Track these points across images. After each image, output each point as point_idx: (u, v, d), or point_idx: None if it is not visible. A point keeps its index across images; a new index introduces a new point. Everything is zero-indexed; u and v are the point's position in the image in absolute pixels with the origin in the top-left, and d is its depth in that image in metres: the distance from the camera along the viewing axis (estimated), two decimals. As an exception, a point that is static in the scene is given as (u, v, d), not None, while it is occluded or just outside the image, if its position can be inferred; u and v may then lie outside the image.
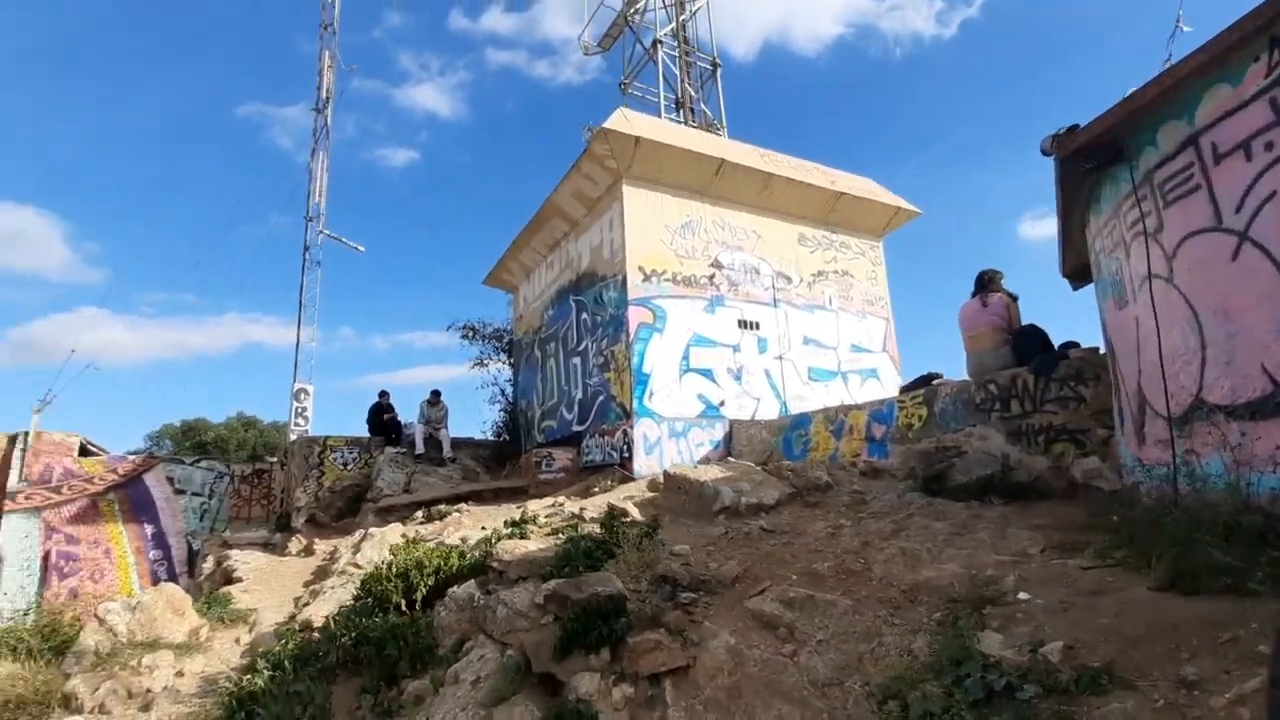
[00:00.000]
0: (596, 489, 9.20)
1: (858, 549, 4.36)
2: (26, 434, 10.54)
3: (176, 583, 11.88)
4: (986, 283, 6.61)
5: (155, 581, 11.10)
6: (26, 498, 10.42)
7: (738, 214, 11.63)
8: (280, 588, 7.96)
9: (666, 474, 6.53)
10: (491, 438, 15.81)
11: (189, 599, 6.58)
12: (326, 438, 12.64)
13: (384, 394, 13.53)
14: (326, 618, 5.85)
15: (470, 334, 17.61)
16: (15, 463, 10.41)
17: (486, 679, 3.85)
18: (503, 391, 16.52)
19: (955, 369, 7.41)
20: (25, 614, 10.19)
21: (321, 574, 8.20)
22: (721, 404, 10.53)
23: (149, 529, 11.23)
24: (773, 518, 5.42)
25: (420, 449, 13.07)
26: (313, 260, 22.71)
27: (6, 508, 10.22)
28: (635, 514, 5.75)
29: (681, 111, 17.88)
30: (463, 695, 3.81)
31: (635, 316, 10.06)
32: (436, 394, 13.96)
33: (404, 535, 8.50)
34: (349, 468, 12.76)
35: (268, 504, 14.62)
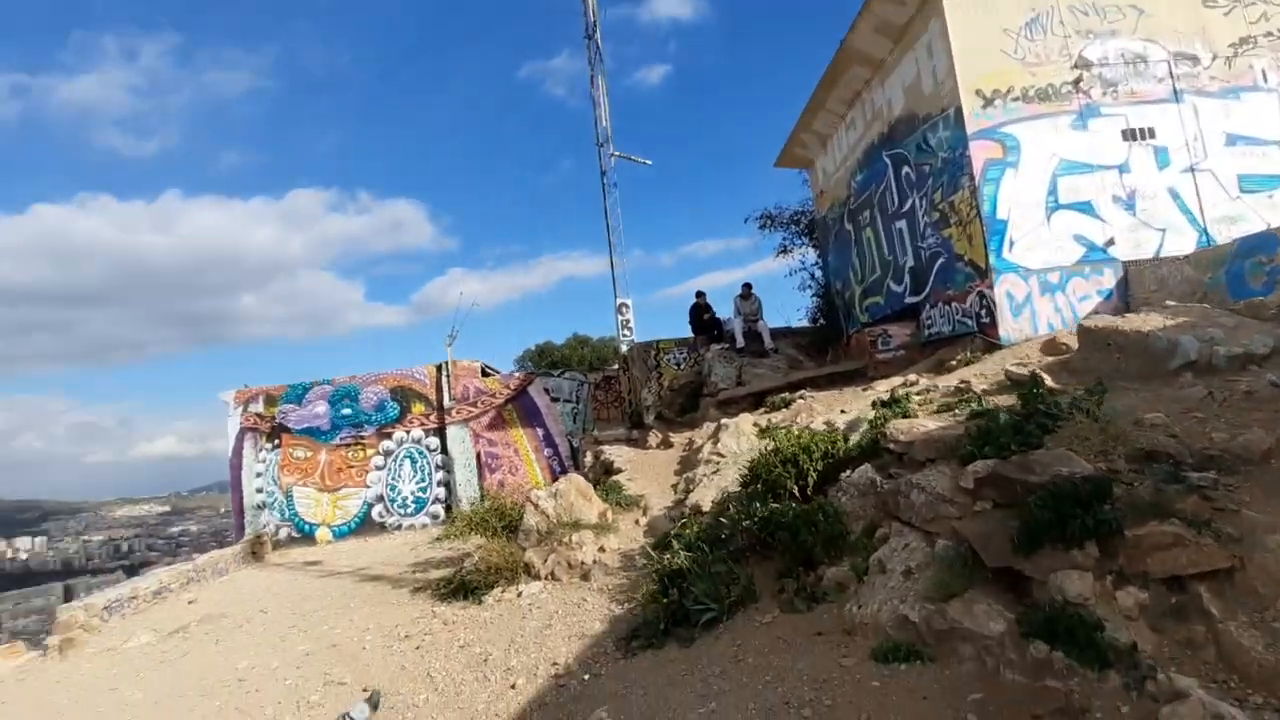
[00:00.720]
0: (954, 362, 8.07)
1: None
2: (446, 363, 13.37)
3: (566, 474, 14.26)
4: None
5: (551, 474, 13.42)
6: (457, 412, 13.34)
7: (1110, -15, 8.67)
8: (655, 476, 8.76)
9: (1084, 328, 5.22)
10: (808, 324, 15.26)
11: (591, 487, 7.54)
12: (658, 342, 13.45)
13: (701, 294, 13.81)
14: (714, 503, 6.12)
15: (768, 222, 16.97)
16: (444, 386, 13.34)
17: (921, 570, 3.44)
18: (812, 275, 15.71)
19: None
20: (482, 500, 13.32)
21: (687, 464, 8.80)
22: (1109, 243, 8.27)
23: (539, 431, 13.53)
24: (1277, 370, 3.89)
25: (741, 343, 13.14)
26: (610, 184, 24.15)
27: (447, 420, 13.24)
28: (1049, 381, 4.68)
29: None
30: (896, 586, 3.47)
31: (979, 153, 8.27)
32: (747, 287, 13.77)
33: (755, 424, 8.60)
34: (681, 367, 13.47)
35: (618, 406, 16.32)
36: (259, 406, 12.98)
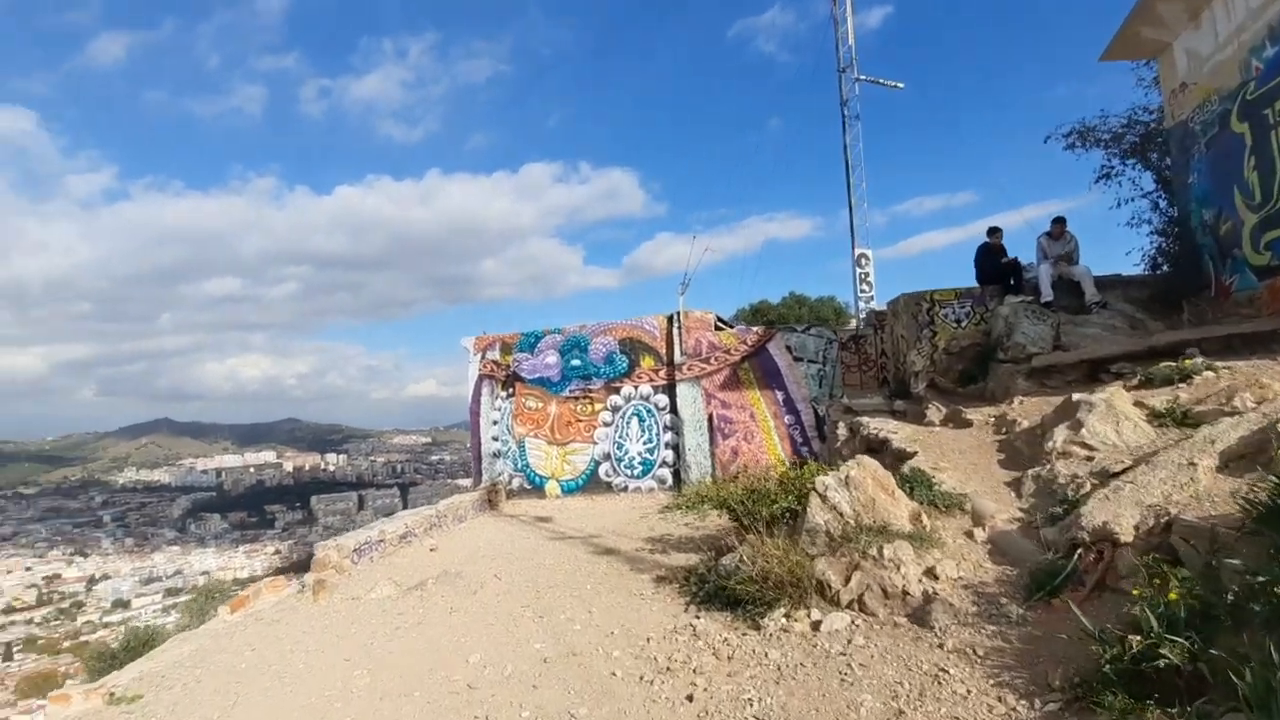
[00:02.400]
0: None
1: None
2: (678, 313, 12.05)
3: (810, 446, 12.25)
4: None
5: (791, 444, 11.54)
6: (688, 368, 12.02)
7: None
8: (961, 465, 6.40)
9: None
10: (1145, 272, 11.30)
11: (890, 476, 5.48)
12: (933, 292, 10.68)
13: (995, 231, 10.68)
14: (1146, 531, 3.72)
15: (1081, 139, 12.87)
16: (675, 339, 12.05)
17: None
18: (1155, 205, 11.57)
19: None
20: (713, 468, 11.93)
21: (1016, 453, 6.30)
22: None
23: (779, 395, 11.69)
24: None
25: (1048, 294, 9.87)
26: (851, 115, 20.91)
27: (677, 377, 11.97)
28: None
29: None
30: None
31: None
32: (1060, 222, 10.36)
33: (1140, 404, 5.80)
34: (963, 324, 10.57)
35: (867, 370, 13.79)
36: (495, 354, 12.81)
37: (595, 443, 12.14)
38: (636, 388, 12.15)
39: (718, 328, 12.13)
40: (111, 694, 4.81)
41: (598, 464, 12.10)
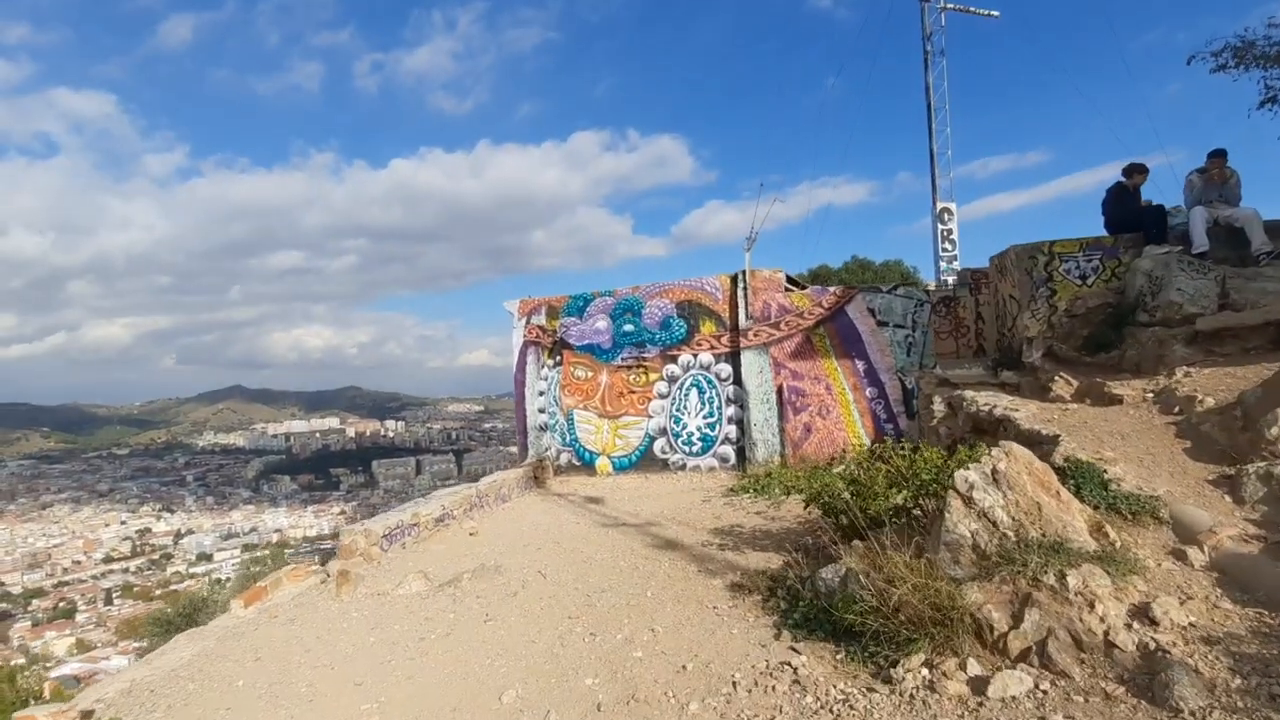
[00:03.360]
0: None
1: None
2: (743, 273, 10.69)
3: (895, 424, 10.79)
4: None
5: (875, 422, 10.13)
6: (755, 334, 10.71)
7: None
8: (1136, 456, 4.95)
9: None
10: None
11: (1050, 470, 4.12)
12: (1052, 243, 8.99)
13: (1136, 170, 8.85)
14: None
15: (1237, 58, 10.69)
16: (740, 301, 10.74)
17: None
18: (1333, 135, 9.44)
19: None
20: (782, 446, 10.63)
21: (1200, 438, 4.81)
22: None
23: (859, 365, 10.27)
24: None
25: (1202, 243, 8.08)
26: (935, 51, 18.68)
27: (742, 344, 10.69)
28: None
29: None
30: None
31: None
32: (1218, 156, 8.50)
33: None
34: (1089, 281, 8.88)
35: (959, 336, 12.14)
36: (541, 318, 11.75)
37: (650, 416, 11.00)
38: (696, 356, 10.90)
39: (788, 288, 10.72)
40: (87, 715, 4.00)
41: (653, 439, 10.97)
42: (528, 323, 11.81)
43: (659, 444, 10.97)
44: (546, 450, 11.48)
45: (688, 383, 10.93)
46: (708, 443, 10.79)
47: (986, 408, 7.43)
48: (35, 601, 70.79)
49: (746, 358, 10.59)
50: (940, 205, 18.54)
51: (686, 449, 10.85)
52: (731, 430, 10.70)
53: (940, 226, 18.44)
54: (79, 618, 64.17)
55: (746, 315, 10.64)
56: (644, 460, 11.01)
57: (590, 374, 11.38)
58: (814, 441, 10.22)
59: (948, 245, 18.26)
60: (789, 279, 10.96)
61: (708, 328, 10.94)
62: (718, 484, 10.06)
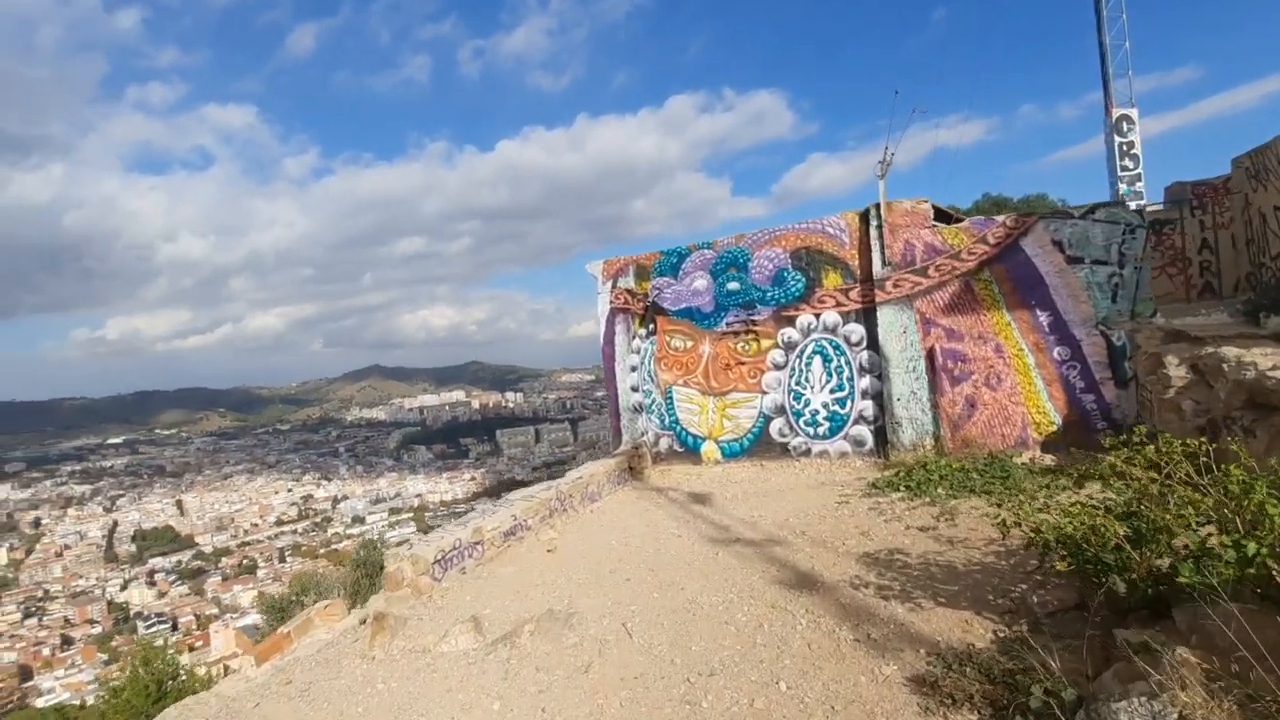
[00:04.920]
0: None
1: None
2: (876, 206, 8.33)
3: (1098, 395, 8.06)
4: None
5: (1068, 391, 7.56)
6: (894, 284, 8.37)
7: None
8: None
9: None
10: None
11: None
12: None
13: None
14: None
15: None
16: (873, 244, 8.42)
17: None
18: None
19: None
20: (935, 425, 8.27)
21: None
22: None
23: (1042, 316, 7.72)
24: None
25: None
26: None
27: (877, 298, 8.40)
28: None
29: None
30: None
31: None
32: None
33: None
34: None
35: (1171, 274, 9.09)
36: (629, 280, 9.98)
37: (764, 391, 9.02)
38: (818, 315, 8.73)
39: (936, 225, 8.22)
40: None
41: (768, 419, 9.00)
42: (614, 286, 10.08)
43: (776, 425, 8.98)
44: (643, 435, 9.82)
45: (809, 349, 8.80)
46: (837, 423, 8.65)
47: (1273, 372, 4.88)
48: (224, 559, 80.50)
49: (884, 315, 8.29)
50: (1118, 112, 14.70)
51: (810, 431, 8.78)
52: (867, 407, 8.50)
53: (1118, 139, 14.63)
54: (259, 573, 72.24)
55: (883, 261, 8.30)
56: (758, 445, 9.07)
57: (690, 343, 9.52)
58: (980, 420, 7.81)
59: (1128, 162, 14.47)
60: (937, 210, 8.45)
61: (832, 280, 8.71)
62: (853, 475, 7.97)
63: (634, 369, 9.99)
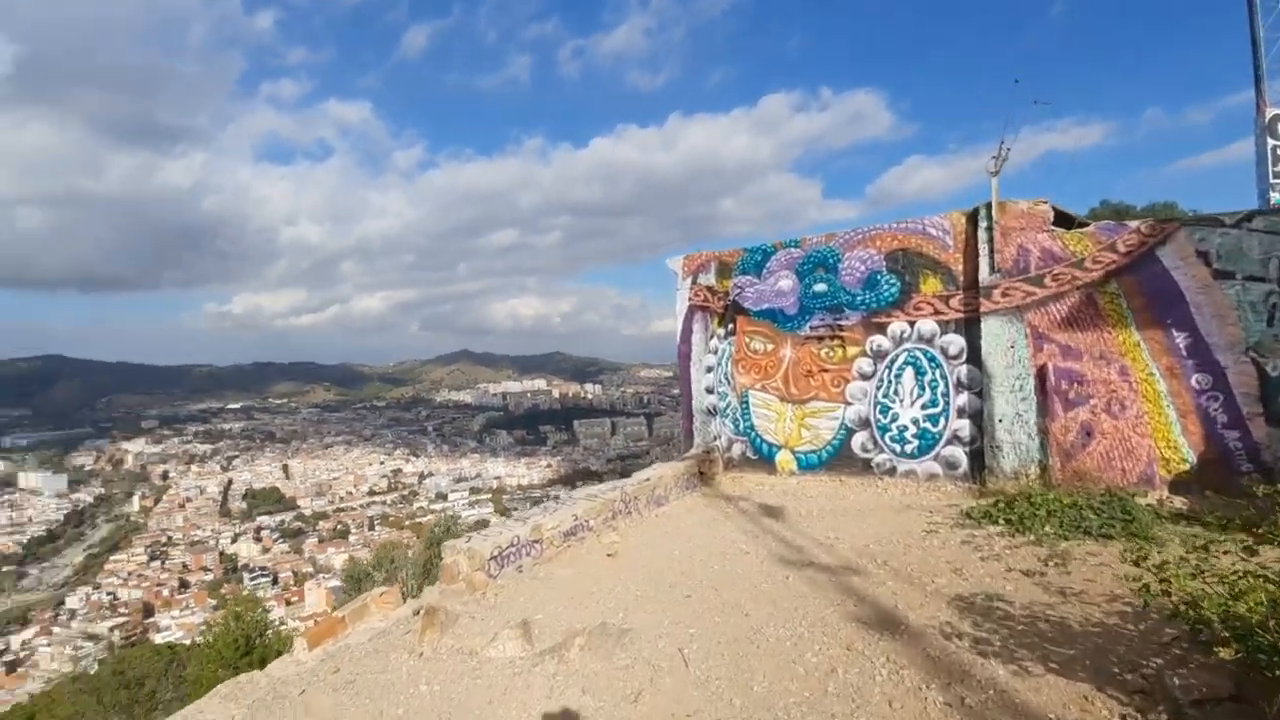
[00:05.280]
0: None
1: None
2: (988, 206, 7.51)
3: (1244, 431, 6.87)
4: None
5: (1206, 425, 6.51)
6: (1004, 293, 7.53)
7: None
8: None
9: None
10: None
11: None
12: None
13: None
14: None
15: None
16: (981, 248, 7.60)
17: None
18: None
19: None
20: (1043, 452, 7.34)
21: None
22: None
23: (1179, 337, 6.69)
24: None
25: None
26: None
27: (983, 307, 7.59)
28: None
29: None
30: None
31: None
32: None
33: None
34: None
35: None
36: (709, 277, 9.57)
37: (848, 402, 8.39)
38: (913, 324, 8.01)
39: (1053, 229, 7.31)
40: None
41: (850, 432, 8.37)
42: (694, 283, 9.70)
43: (859, 439, 8.34)
44: (715, 439, 9.40)
45: (901, 359, 8.10)
46: (927, 441, 7.92)
47: None
48: (320, 523, 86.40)
49: (990, 326, 7.48)
50: (1271, 112, 12.81)
51: (897, 448, 8.08)
52: (963, 426, 7.72)
53: (1270, 142, 12.76)
54: (350, 539, 77.09)
55: (991, 267, 7.49)
56: (838, 459, 8.46)
57: (770, 346, 9.01)
58: (1098, 451, 6.88)
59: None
60: (1057, 213, 7.53)
61: (930, 285, 7.96)
62: (943, 500, 7.24)
63: (710, 370, 9.59)
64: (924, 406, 7.97)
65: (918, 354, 8.01)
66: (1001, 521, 6.04)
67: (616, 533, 6.44)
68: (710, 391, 9.57)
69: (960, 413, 7.75)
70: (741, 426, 9.18)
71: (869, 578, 4.91)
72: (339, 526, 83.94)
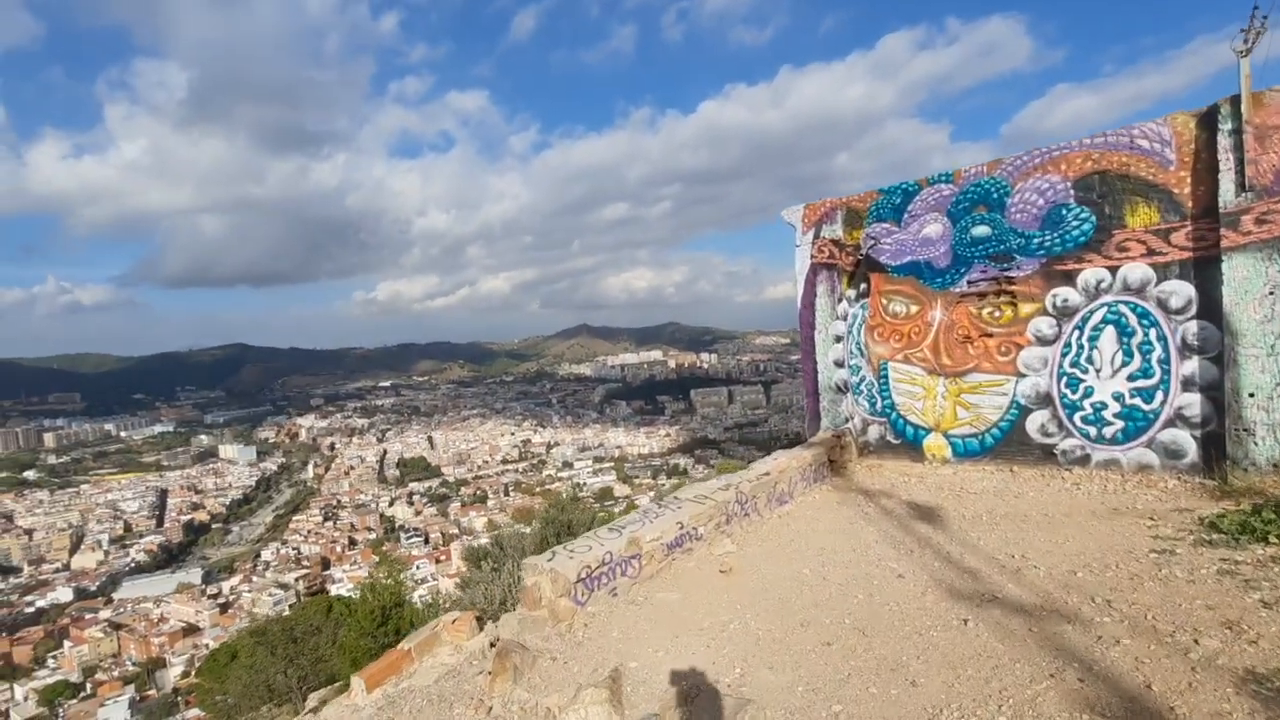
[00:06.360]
0: None
1: None
2: (1233, 101, 5.33)
3: None
4: None
5: None
6: (1258, 220, 5.41)
7: None
8: None
9: None
10: None
11: None
12: None
13: None
14: None
15: None
16: (1224, 159, 5.49)
17: None
18: None
19: None
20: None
21: None
22: None
23: None
24: None
25: None
26: None
27: (1226, 241, 5.51)
28: None
29: None
30: None
31: None
32: None
33: None
34: None
35: None
36: (835, 228, 7.99)
37: (1020, 373, 6.62)
38: (1115, 270, 6.07)
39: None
40: None
41: (1024, 411, 6.61)
42: (816, 236, 8.17)
43: (1036, 419, 6.56)
44: (847, 421, 7.94)
45: (1097, 317, 6.20)
46: (1138, 422, 6.01)
47: None
48: (462, 489, 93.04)
49: (1236, 267, 5.42)
50: None
51: (1092, 431, 6.24)
52: (1191, 403, 5.74)
53: None
54: (489, 503, 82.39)
55: (1241, 185, 5.39)
56: (1006, 444, 6.74)
57: (915, 308, 7.36)
58: None
59: None
60: (1351, 100, 5.23)
61: (1141, 217, 5.96)
62: (1165, 502, 5.41)
63: (838, 339, 8.09)
64: (1131, 378, 6.04)
65: (1122, 309, 6.07)
66: (1275, 538, 4.24)
67: (731, 540, 5.33)
68: (840, 365, 8.08)
69: (1187, 385, 5.77)
70: (879, 405, 7.65)
71: (1089, 629, 3.44)
72: (478, 492, 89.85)
